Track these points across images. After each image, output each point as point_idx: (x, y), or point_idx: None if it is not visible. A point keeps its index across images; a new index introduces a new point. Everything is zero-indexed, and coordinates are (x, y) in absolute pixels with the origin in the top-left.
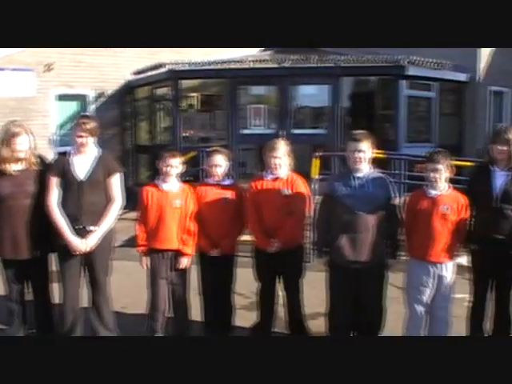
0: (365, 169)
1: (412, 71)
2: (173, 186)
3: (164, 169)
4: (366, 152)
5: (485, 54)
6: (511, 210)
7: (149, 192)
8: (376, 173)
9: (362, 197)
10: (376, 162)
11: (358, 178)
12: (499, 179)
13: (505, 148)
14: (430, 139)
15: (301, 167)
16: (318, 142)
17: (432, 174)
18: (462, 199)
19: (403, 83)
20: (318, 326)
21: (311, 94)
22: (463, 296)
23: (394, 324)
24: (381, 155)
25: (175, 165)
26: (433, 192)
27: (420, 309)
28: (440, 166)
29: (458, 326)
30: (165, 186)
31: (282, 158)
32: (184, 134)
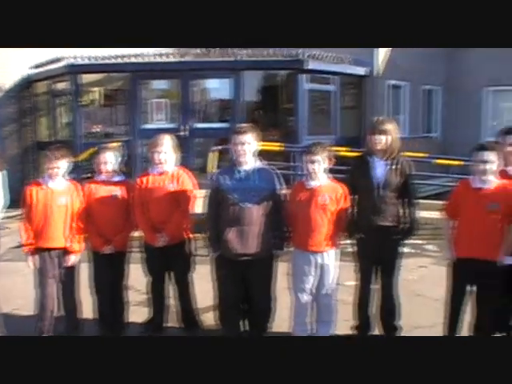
0: (250, 161)
1: (312, 65)
2: (58, 184)
3: (49, 170)
4: (250, 144)
5: (382, 48)
6: (392, 198)
7: (33, 190)
8: (261, 165)
9: (248, 189)
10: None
11: (243, 170)
12: (379, 169)
13: (380, 138)
14: (331, 131)
15: (206, 161)
16: (222, 135)
17: (310, 166)
18: (341, 189)
19: (303, 77)
20: (212, 319)
21: (214, 88)
22: (354, 283)
23: (288, 313)
24: (278, 147)
25: (60, 166)
26: (311, 183)
27: (304, 297)
28: (317, 158)
29: (349, 313)
30: (50, 184)
31: (166, 152)
32: (87, 130)
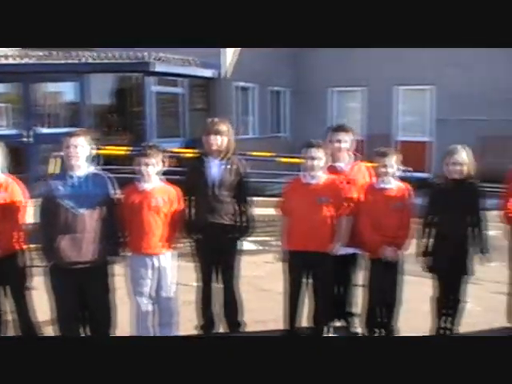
0: (83, 166)
1: (159, 68)
2: None
3: None
4: (83, 147)
5: (230, 51)
6: (228, 197)
7: None
8: (95, 170)
9: (80, 196)
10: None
11: (76, 176)
12: (214, 168)
13: (216, 138)
14: (180, 134)
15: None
16: None
17: (144, 168)
18: (174, 191)
19: (150, 80)
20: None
21: (60, 92)
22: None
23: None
24: (124, 152)
25: None
26: (144, 186)
27: (143, 301)
28: (151, 160)
29: (193, 313)
30: None
31: None
32: None
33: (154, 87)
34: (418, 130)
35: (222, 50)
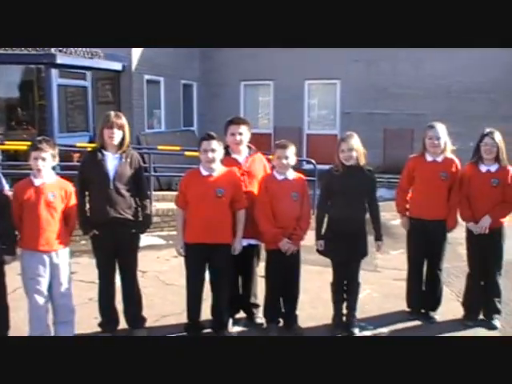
0: None
1: (63, 60)
2: None
3: None
4: None
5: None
6: (126, 191)
7: None
8: None
9: None
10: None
11: None
12: (112, 162)
13: (118, 132)
14: (88, 128)
15: None
16: None
17: (39, 162)
18: (70, 186)
19: (54, 72)
20: None
21: None
22: None
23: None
24: (23, 147)
25: None
26: (38, 181)
27: (40, 299)
28: (46, 155)
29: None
30: None
31: None
32: None
33: (59, 80)
34: (327, 123)
35: None
